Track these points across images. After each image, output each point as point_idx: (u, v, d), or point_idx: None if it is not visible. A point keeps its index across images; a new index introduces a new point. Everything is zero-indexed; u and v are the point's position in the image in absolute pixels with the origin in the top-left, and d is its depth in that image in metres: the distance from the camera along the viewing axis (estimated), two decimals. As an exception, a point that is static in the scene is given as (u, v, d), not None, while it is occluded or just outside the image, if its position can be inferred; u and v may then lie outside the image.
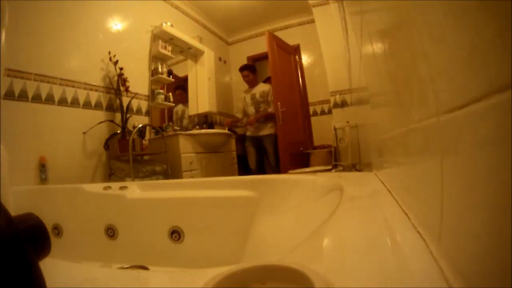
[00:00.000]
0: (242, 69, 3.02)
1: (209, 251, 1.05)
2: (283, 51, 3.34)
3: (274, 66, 3.06)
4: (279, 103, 2.88)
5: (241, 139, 3.15)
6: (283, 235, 0.79)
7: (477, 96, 0.17)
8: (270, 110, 2.90)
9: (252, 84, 3.01)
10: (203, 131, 2.62)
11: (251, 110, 2.99)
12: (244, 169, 3.09)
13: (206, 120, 3.08)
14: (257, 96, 2.96)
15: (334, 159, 2.72)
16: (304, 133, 3.49)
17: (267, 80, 3.37)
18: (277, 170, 2.85)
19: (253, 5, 3.43)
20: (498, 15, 0.14)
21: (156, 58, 2.65)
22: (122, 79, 2.15)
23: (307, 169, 2.61)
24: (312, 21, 3.10)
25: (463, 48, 0.18)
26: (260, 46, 3.91)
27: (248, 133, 3.02)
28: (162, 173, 2.12)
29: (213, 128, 2.95)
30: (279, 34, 3.52)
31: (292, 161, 2.93)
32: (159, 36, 2.68)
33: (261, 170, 3.00)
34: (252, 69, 2.99)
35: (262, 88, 2.99)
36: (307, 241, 0.38)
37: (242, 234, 0.98)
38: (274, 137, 2.87)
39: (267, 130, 2.91)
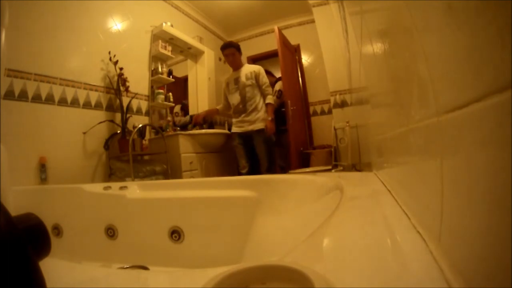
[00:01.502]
0: (225, 46, 2.39)
1: (209, 251, 1.05)
2: (287, 49, 3.33)
3: (284, 63, 2.93)
4: (289, 101, 2.81)
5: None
6: (283, 235, 0.79)
7: (477, 96, 0.17)
8: (268, 100, 2.33)
9: (236, 65, 2.42)
10: (203, 131, 2.61)
11: (235, 98, 2.38)
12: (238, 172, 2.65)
13: (205, 120, 3.08)
14: (243, 78, 2.34)
15: (334, 159, 2.72)
16: (305, 133, 3.50)
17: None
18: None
19: (253, 5, 3.43)
20: (498, 15, 0.14)
21: (156, 58, 2.65)
22: (122, 79, 2.15)
23: (307, 169, 2.61)
24: (312, 21, 3.10)
25: (463, 48, 0.18)
26: (260, 46, 3.92)
27: (235, 130, 2.41)
28: (162, 173, 2.12)
29: (213, 128, 2.95)
30: (279, 34, 3.52)
31: (293, 161, 2.93)
32: (159, 36, 2.68)
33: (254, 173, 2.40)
34: (238, 47, 2.41)
35: (249, 68, 2.39)
36: (307, 241, 0.38)
37: (242, 234, 0.98)
38: (266, 133, 2.30)
39: (258, 123, 2.30)
